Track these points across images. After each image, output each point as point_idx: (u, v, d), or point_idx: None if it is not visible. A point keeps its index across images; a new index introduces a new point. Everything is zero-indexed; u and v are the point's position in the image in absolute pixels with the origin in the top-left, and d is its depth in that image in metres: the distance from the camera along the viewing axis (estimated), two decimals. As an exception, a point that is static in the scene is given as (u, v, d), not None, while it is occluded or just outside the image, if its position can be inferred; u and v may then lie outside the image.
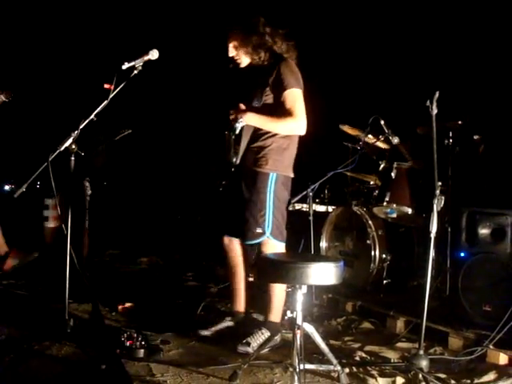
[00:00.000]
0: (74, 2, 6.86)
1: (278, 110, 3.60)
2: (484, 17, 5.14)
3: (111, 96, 3.30)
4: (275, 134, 3.66)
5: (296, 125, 3.60)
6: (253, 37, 3.67)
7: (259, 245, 3.73)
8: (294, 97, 3.59)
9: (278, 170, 3.66)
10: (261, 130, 3.67)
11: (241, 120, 3.55)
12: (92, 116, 3.32)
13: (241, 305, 3.95)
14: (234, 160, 3.63)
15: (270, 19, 3.76)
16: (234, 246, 3.88)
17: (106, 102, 3.32)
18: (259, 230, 3.63)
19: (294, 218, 5.82)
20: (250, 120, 3.59)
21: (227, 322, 3.88)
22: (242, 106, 3.63)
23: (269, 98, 3.66)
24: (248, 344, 3.51)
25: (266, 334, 3.61)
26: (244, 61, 3.77)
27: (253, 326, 3.73)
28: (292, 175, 3.80)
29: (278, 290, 3.67)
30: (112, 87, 3.30)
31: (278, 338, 3.65)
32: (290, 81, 3.59)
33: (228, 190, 3.91)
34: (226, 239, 3.90)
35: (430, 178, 3.30)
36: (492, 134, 4.64)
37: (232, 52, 3.75)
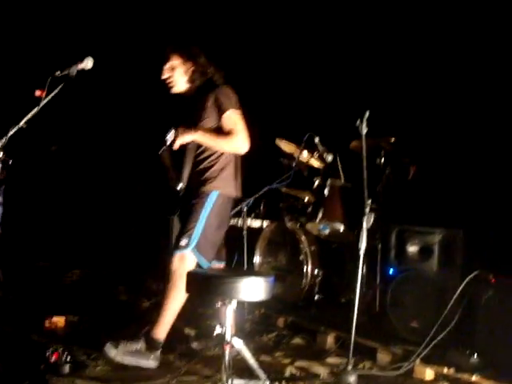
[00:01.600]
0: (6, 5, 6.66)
1: (220, 133, 3.67)
2: (413, 37, 5.29)
3: (42, 104, 3.21)
4: (215, 157, 3.71)
5: (239, 142, 3.64)
6: (191, 62, 3.79)
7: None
8: (233, 118, 3.66)
9: (219, 189, 3.68)
10: (201, 154, 3.72)
11: (171, 133, 3.59)
12: (22, 123, 3.22)
13: None
14: (180, 186, 3.65)
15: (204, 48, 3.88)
16: None
17: (36, 109, 3.23)
18: (185, 241, 3.58)
19: (228, 233, 5.83)
20: (194, 135, 3.62)
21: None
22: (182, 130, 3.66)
23: (207, 122, 3.70)
24: (116, 346, 3.45)
25: (140, 345, 3.52)
26: (178, 85, 3.83)
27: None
28: (234, 195, 3.82)
29: (166, 306, 3.57)
30: (44, 94, 3.21)
31: (152, 356, 3.50)
32: (227, 104, 3.67)
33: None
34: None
35: (361, 195, 3.36)
36: (421, 155, 4.78)
37: (166, 74, 3.81)
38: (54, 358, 3.29)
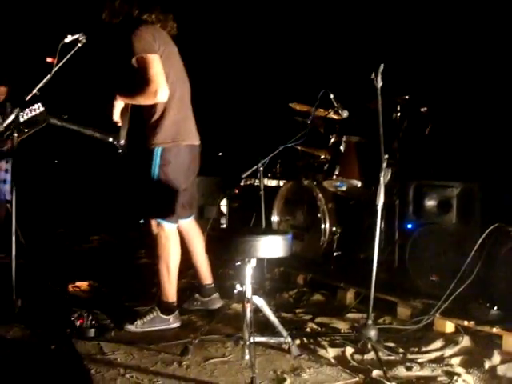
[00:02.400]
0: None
1: (137, 80, 3.48)
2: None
3: (54, 70, 3.21)
4: (148, 109, 3.54)
5: (152, 93, 3.39)
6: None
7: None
8: (144, 63, 3.41)
9: (161, 144, 3.52)
10: (134, 109, 3.59)
11: None
12: (35, 91, 3.23)
13: (205, 278, 3.94)
14: (122, 142, 3.56)
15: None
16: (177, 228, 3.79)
17: (49, 76, 3.23)
18: (148, 210, 3.58)
19: (245, 192, 5.85)
20: (118, 102, 3.54)
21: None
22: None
23: (126, 71, 3.53)
24: (132, 322, 3.49)
25: (155, 313, 3.55)
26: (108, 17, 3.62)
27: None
28: (186, 142, 3.60)
29: (163, 270, 3.58)
30: (55, 61, 3.21)
31: (170, 318, 3.57)
32: (136, 47, 3.41)
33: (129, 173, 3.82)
34: None
35: (378, 151, 3.34)
36: (438, 108, 4.72)
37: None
38: (79, 322, 3.35)
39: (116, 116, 3.56)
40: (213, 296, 3.94)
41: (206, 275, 3.94)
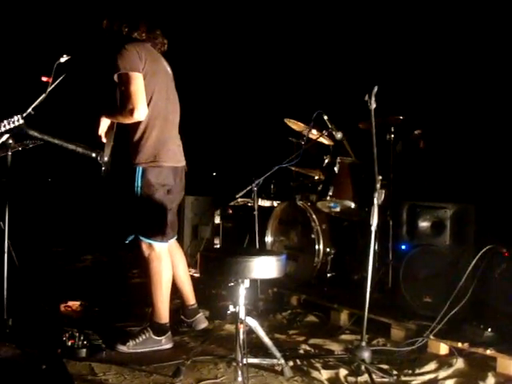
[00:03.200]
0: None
1: (118, 97, 3.50)
2: (421, 12, 5.23)
3: (49, 89, 3.22)
4: (132, 128, 3.51)
5: (128, 111, 3.38)
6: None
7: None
8: (125, 81, 3.39)
9: (142, 164, 3.48)
10: (119, 128, 3.58)
11: None
12: (30, 110, 3.23)
13: (184, 298, 3.91)
14: (106, 159, 3.51)
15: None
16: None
17: (44, 95, 3.24)
18: (130, 230, 3.57)
19: (239, 212, 5.85)
20: (102, 121, 3.57)
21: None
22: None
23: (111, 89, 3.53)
24: (125, 342, 3.46)
25: (147, 334, 3.52)
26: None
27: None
28: (168, 164, 3.54)
29: (155, 291, 3.55)
30: (50, 80, 3.21)
31: (162, 339, 3.53)
32: (118, 65, 3.39)
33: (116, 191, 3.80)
34: None
35: (372, 172, 3.34)
36: (432, 130, 4.75)
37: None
38: (70, 342, 3.32)
39: (101, 131, 3.56)
40: (197, 316, 3.90)
41: (188, 296, 3.90)
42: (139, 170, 3.49)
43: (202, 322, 3.91)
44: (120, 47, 3.43)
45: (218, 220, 6.31)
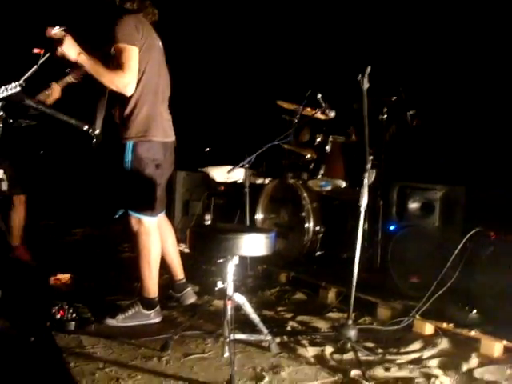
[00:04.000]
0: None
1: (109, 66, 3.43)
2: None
3: (41, 61, 3.19)
4: (125, 101, 3.47)
5: (120, 81, 3.37)
6: None
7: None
8: (121, 53, 3.37)
9: (133, 139, 3.48)
10: (112, 99, 3.52)
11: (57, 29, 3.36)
12: (21, 81, 3.19)
13: (173, 273, 3.93)
14: (97, 132, 3.50)
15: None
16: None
17: (35, 67, 3.20)
18: (121, 204, 3.58)
19: (230, 189, 5.85)
20: (78, 56, 3.36)
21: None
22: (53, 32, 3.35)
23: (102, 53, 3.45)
24: (114, 316, 3.49)
25: (137, 307, 3.54)
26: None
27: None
28: (157, 139, 3.54)
29: (144, 266, 3.57)
30: (42, 52, 3.18)
31: (151, 313, 3.57)
32: (119, 36, 3.37)
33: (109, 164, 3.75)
34: None
35: (363, 152, 3.35)
36: (425, 111, 4.74)
37: None
38: (59, 315, 3.34)
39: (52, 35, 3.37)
40: (186, 291, 3.93)
41: (177, 271, 3.93)
42: (129, 144, 3.48)
43: (190, 296, 3.94)
44: (117, 18, 3.41)
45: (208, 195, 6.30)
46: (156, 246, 3.57)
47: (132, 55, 3.37)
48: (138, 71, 3.41)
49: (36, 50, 3.18)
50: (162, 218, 3.81)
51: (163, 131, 3.59)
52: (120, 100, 3.49)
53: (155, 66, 3.57)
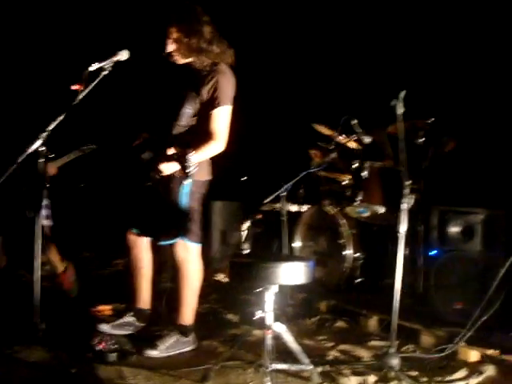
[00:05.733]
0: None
1: (203, 128, 3.48)
2: (451, 16, 5.18)
3: (80, 97, 3.26)
4: (192, 145, 3.42)
5: (216, 147, 3.48)
6: (194, 36, 3.44)
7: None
8: (221, 116, 3.46)
9: (194, 177, 3.42)
10: (181, 140, 3.52)
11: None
12: (61, 118, 3.26)
13: (143, 302, 3.92)
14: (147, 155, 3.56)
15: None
16: (140, 243, 3.83)
17: (74, 103, 3.27)
18: (172, 232, 3.59)
19: (268, 218, 5.84)
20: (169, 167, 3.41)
21: (128, 318, 3.85)
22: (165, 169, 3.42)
23: (197, 109, 3.52)
24: (155, 347, 3.49)
25: (176, 336, 3.57)
26: (182, 60, 3.57)
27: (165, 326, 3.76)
28: (209, 178, 3.72)
29: (187, 293, 3.61)
30: (81, 88, 3.25)
31: (190, 339, 3.60)
32: (223, 97, 3.44)
33: (146, 191, 3.75)
34: (133, 235, 3.84)
35: (401, 177, 3.32)
36: (462, 134, 4.69)
37: (171, 47, 3.52)
38: (100, 346, 3.36)
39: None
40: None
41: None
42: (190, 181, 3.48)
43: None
44: (223, 73, 3.47)
45: (247, 225, 6.30)
46: (200, 274, 3.62)
47: (228, 115, 3.49)
48: None
49: (75, 87, 3.25)
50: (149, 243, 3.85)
51: (209, 172, 3.72)
52: (194, 141, 3.46)
53: None
